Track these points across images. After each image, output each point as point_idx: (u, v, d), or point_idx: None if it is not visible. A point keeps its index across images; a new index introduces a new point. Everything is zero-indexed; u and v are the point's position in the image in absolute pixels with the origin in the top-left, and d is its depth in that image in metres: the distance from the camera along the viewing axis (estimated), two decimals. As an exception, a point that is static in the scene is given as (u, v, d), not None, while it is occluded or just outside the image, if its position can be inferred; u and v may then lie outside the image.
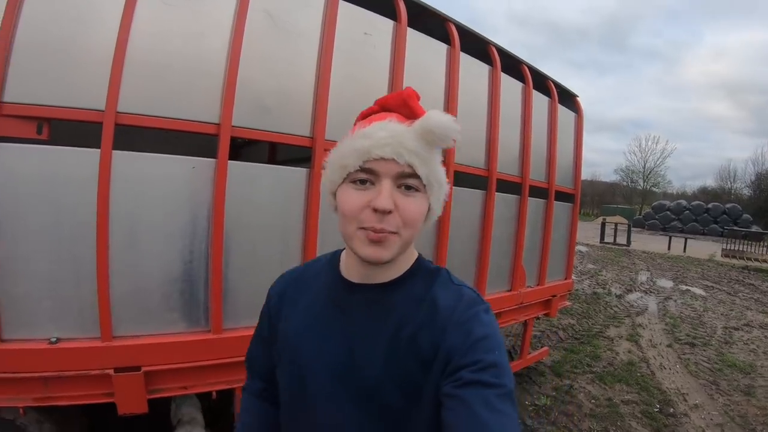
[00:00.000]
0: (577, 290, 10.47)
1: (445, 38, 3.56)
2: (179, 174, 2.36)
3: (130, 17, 2.16)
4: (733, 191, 50.80)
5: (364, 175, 0.86)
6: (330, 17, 2.77)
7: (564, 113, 5.04)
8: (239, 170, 2.49)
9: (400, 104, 0.92)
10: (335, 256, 1.09)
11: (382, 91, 3.07)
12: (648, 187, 59.01)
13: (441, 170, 0.92)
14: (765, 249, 19.72)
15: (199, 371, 2.43)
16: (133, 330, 2.29)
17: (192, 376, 2.43)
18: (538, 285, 4.68)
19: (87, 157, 2.14)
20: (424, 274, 0.99)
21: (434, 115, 0.84)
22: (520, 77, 4.35)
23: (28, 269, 2.09)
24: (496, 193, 3.91)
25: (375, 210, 0.83)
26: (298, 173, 2.72)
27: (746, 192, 48.95)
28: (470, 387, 0.78)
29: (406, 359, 0.89)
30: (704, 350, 6.75)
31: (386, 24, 3.10)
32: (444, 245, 3.44)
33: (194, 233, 2.38)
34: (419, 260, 1.02)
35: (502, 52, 4.12)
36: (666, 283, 12.47)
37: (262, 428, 1.18)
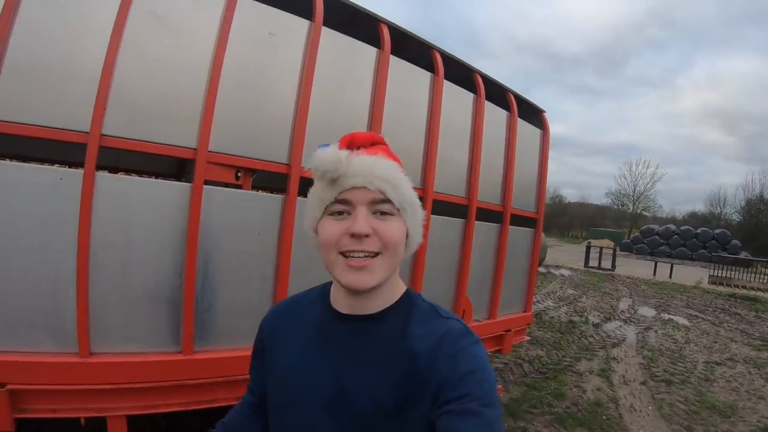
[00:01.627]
0: (551, 318, 10.05)
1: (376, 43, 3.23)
2: (45, 184, 2.20)
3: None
4: (722, 217, 51.11)
5: (341, 207, 0.92)
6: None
7: (526, 129, 4.63)
8: (107, 183, 2.33)
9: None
10: (326, 287, 1.11)
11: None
12: (638, 210, 59.16)
13: (413, 194, 0.97)
14: (753, 276, 19.46)
15: (68, 395, 2.28)
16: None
17: (60, 400, 2.27)
18: (488, 318, 4.22)
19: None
20: (412, 307, 1.01)
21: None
22: (473, 88, 3.93)
23: None
24: (434, 216, 3.47)
25: (352, 235, 0.88)
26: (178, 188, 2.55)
27: (736, 218, 49.42)
28: (460, 417, 0.81)
29: (394, 390, 0.90)
30: (682, 389, 6.25)
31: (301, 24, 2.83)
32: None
33: (59, 250, 2.21)
34: (407, 294, 1.05)
35: (449, 59, 3.73)
36: (648, 312, 12.05)
37: (244, 428, 1.22)
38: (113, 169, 4.43)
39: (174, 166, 5.14)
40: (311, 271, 2.73)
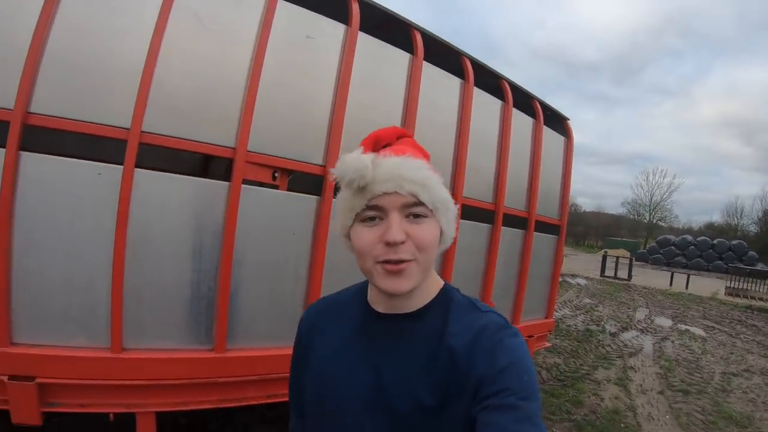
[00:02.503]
0: (568, 326, 10.00)
1: (409, 48, 3.28)
2: (87, 180, 2.24)
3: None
4: (739, 228, 50.37)
5: (372, 213, 0.90)
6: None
7: (551, 137, 4.68)
8: (145, 179, 2.35)
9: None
10: (364, 286, 1.11)
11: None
12: (654, 221, 58.35)
13: (444, 192, 0.94)
14: (769, 288, 19.18)
15: (98, 390, 2.31)
16: (30, 339, 2.19)
17: (89, 395, 2.29)
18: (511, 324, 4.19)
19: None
20: (449, 303, 1.00)
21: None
22: (501, 95, 3.97)
23: None
24: (463, 221, 3.51)
25: (387, 243, 0.87)
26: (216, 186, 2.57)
27: (753, 229, 48.65)
28: (499, 412, 0.80)
29: (433, 388, 0.90)
30: (699, 399, 6.19)
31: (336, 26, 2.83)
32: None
33: (95, 245, 2.25)
34: (445, 288, 1.04)
35: (477, 65, 3.78)
36: (664, 322, 11.92)
37: None
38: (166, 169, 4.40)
39: (197, 166, 5.07)
40: (345, 272, 2.77)
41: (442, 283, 1.05)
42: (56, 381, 2.18)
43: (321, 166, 2.85)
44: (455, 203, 0.99)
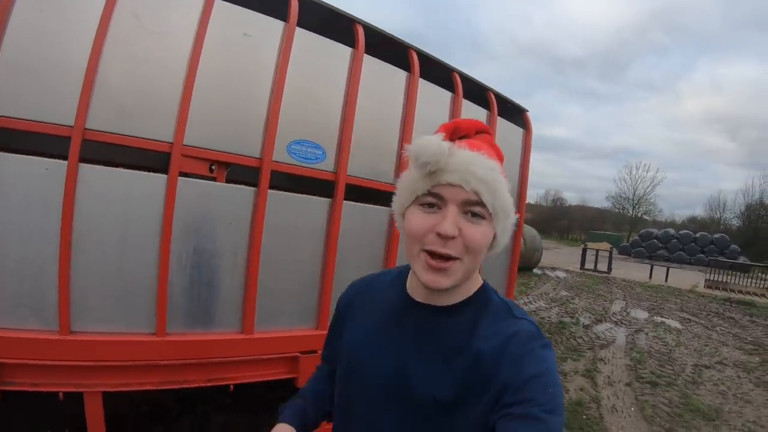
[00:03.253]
0: (541, 319, 10.01)
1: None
2: (35, 175, 2.35)
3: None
4: (722, 221, 50.79)
5: (432, 199, 0.90)
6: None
7: (508, 128, 4.63)
8: (90, 174, 2.45)
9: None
10: (404, 271, 1.11)
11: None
12: (639, 214, 58.84)
13: (508, 199, 0.94)
14: (749, 280, 19.36)
15: (49, 370, 2.40)
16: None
17: (41, 375, 2.39)
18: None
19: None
20: (485, 303, 1.00)
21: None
22: (451, 87, 3.94)
23: None
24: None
25: (439, 234, 0.86)
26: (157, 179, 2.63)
27: (735, 223, 49.07)
28: (521, 422, 0.79)
29: (454, 385, 0.90)
30: (667, 391, 6.22)
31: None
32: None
33: (44, 234, 2.35)
34: (484, 288, 1.04)
35: (425, 57, 3.75)
36: (640, 314, 12.01)
37: (324, 383, 1.27)
38: (111, 163, 4.46)
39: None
40: (282, 260, 2.83)
41: (481, 281, 1.05)
42: (11, 361, 2.30)
43: (257, 158, 2.87)
44: (516, 213, 0.99)
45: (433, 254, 0.88)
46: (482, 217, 0.90)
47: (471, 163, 0.88)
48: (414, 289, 1.04)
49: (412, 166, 0.92)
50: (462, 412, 0.90)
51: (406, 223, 0.94)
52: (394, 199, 1.01)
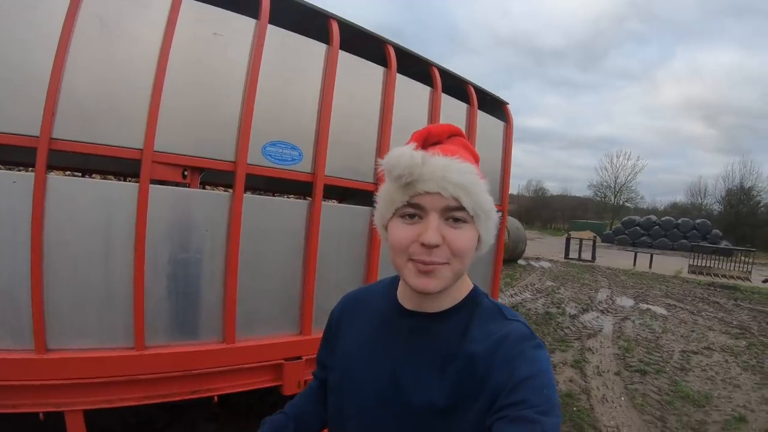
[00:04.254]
0: (528, 310, 10.00)
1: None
2: (2, 187, 2.28)
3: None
4: (703, 207, 51.55)
5: (412, 210, 0.89)
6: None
7: (488, 121, 4.60)
8: (58, 184, 2.39)
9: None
10: (395, 281, 1.11)
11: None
12: (621, 202, 59.47)
13: (488, 200, 0.93)
14: (733, 265, 19.57)
15: (27, 390, 2.35)
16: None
17: (19, 395, 2.34)
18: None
19: None
20: (476, 307, 1.00)
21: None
22: (430, 81, 3.88)
23: None
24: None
25: (423, 245, 0.86)
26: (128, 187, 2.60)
27: (717, 207, 49.82)
28: (515, 424, 0.79)
29: (448, 391, 0.90)
30: (656, 379, 6.20)
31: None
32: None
33: (14, 250, 2.29)
34: (474, 292, 1.03)
35: (403, 52, 3.69)
36: (626, 302, 12.04)
37: (312, 402, 1.25)
38: (83, 171, 4.46)
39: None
40: (264, 264, 2.72)
41: (471, 286, 1.04)
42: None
43: (232, 162, 2.79)
44: (498, 211, 0.97)
45: (419, 262, 0.88)
46: (464, 221, 0.89)
47: (446, 170, 0.87)
48: (404, 298, 1.04)
49: (388, 180, 0.91)
50: (459, 417, 0.89)
51: (390, 237, 0.94)
52: (375, 212, 1.00)
